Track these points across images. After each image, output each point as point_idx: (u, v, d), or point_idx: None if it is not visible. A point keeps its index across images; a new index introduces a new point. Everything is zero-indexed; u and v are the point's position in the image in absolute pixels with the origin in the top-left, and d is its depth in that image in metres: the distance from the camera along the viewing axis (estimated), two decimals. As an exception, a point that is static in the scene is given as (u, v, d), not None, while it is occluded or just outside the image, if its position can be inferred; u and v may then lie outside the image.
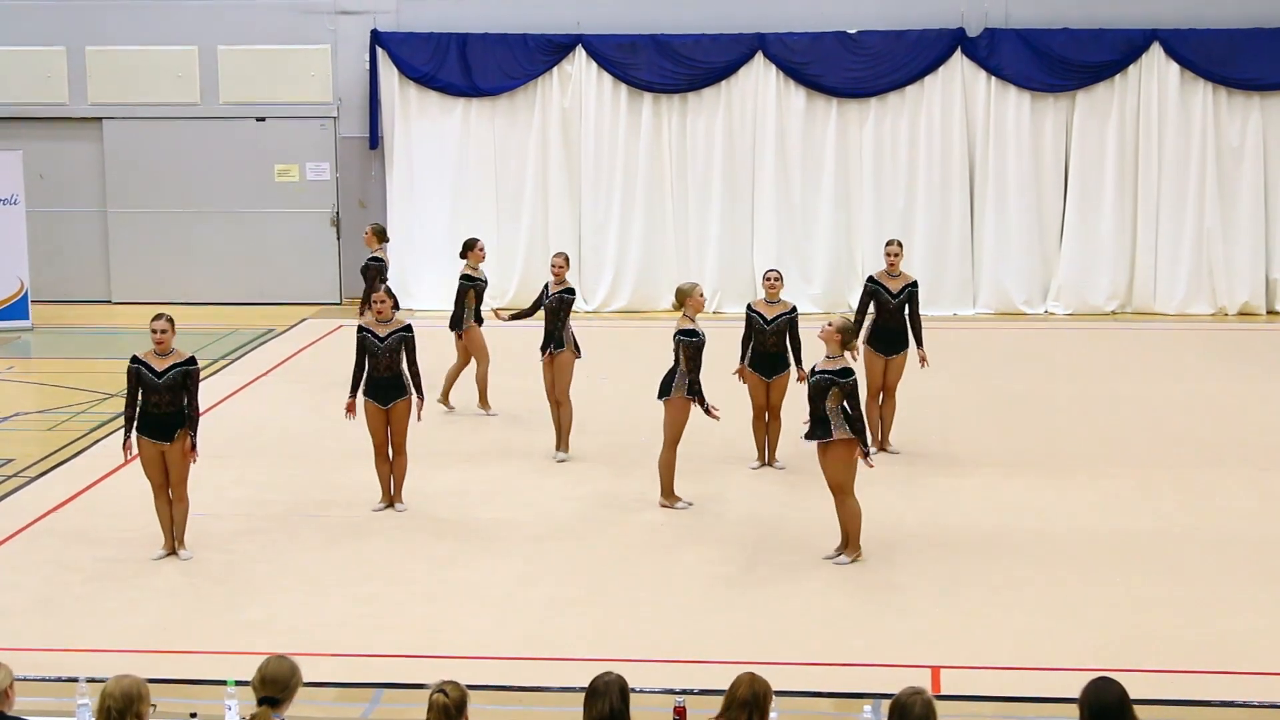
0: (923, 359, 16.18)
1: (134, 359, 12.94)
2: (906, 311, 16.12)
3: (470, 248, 17.97)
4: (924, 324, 16.39)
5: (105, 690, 7.55)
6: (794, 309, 15.72)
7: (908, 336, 16.20)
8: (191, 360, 13.02)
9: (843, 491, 12.90)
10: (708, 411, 14.27)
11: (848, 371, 12.70)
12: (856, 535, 12.99)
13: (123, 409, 13.32)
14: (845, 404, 12.66)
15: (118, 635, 11.39)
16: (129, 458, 13.21)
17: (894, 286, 16.16)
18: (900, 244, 16.53)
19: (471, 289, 17.77)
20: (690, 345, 14.12)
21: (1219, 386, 19.34)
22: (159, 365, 12.87)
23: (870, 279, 16.46)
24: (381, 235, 19.56)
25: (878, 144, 24.71)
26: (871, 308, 16.26)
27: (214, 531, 13.76)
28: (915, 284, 16.30)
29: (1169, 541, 13.49)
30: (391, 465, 14.47)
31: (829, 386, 12.65)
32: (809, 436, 12.88)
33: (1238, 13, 24.19)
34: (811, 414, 12.82)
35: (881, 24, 24.60)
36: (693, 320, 14.19)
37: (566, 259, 16.79)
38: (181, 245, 25.75)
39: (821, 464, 12.90)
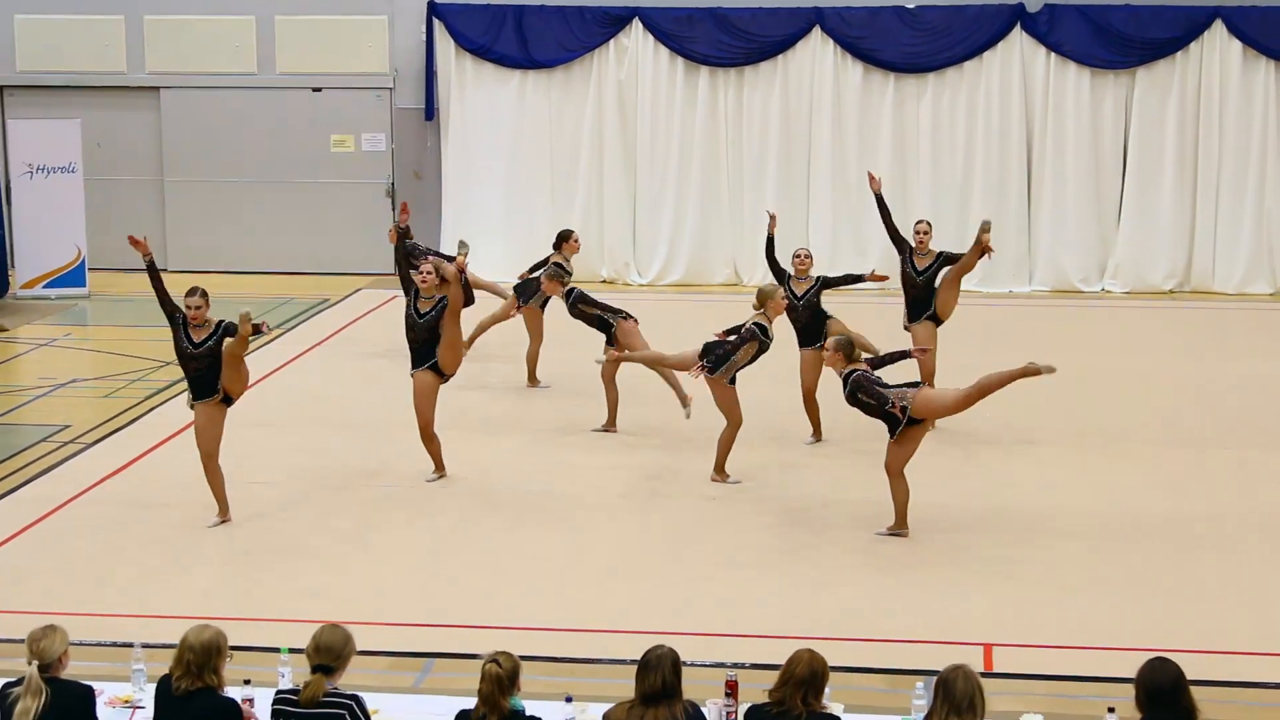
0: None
1: (184, 317, 12.92)
2: (941, 275, 16.16)
3: (565, 239, 17.67)
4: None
5: (185, 641, 7.62)
6: (819, 278, 15.71)
7: (931, 305, 16.15)
8: (220, 323, 12.91)
9: (890, 472, 12.89)
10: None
11: (848, 376, 12.65)
12: (903, 514, 12.97)
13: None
14: (865, 398, 12.61)
15: (172, 601, 11.46)
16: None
17: (921, 264, 16.13)
18: (929, 224, 16.50)
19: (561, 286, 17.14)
20: (758, 344, 14.04)
21: (1278, 367, 19.19)
22: (196, 336, 12.90)
23: (910, 244, 16.42)
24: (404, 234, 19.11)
25: (935, 120, 24.60)
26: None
27: (268, 499, 13.83)
28: (943, 253, 16.30)
29: (1225, 523, 13.40)
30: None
31: (853, 394, 12.63)
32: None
33: (1303, -11, 24.00)
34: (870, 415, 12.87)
35: (941, -1, 24.51)
36: (770, 322, 14.13)
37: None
38: (237, 215, 25.86)
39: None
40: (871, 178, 16.76)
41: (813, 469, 14.97)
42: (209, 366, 12.91)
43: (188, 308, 12.90)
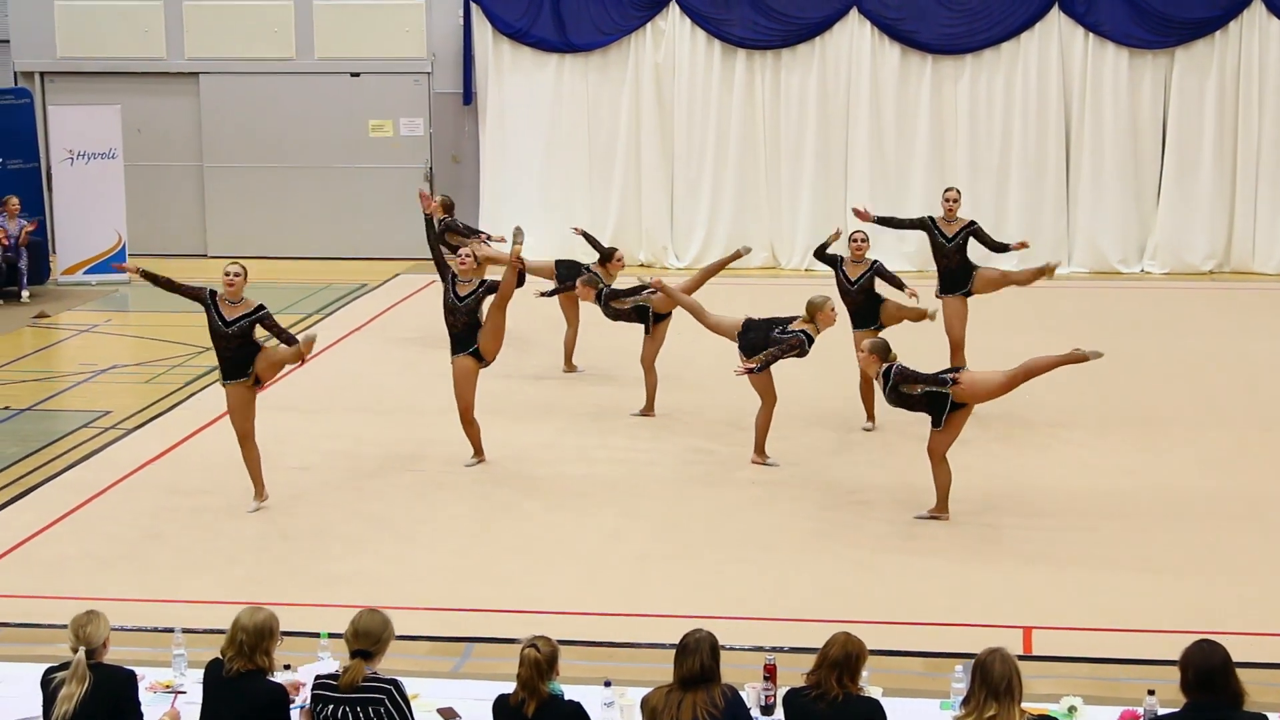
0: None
1: (211, 294, 12.83)
2: (964, 252, 16.20)
3: (609, 258, 17.21)
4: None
5: (239, 622, 7.66)
6: (875, 262, 15.54)
7: (967, 277, 16.11)
8: (259, 307, 12.85)
9: (933, 457, 12.84)
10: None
11: (887, 372, 12.60)
12: (944, 498, 12.94)
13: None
14: (909, 388, 12.57)
15: (212, 587, 11.50)
16: None
17: (950, 231, 16.08)
18: (959, 191, 16.58)
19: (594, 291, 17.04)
20: (799, 350, 13.98)
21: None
22: (229, 314, 12.80)
23: (929, 217, 16.44)
24: (448, 208, 19.28)
25: (973, 101, 24.50)
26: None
27: (306, 484, 13.87)
28: (973, 223, 16.29)
29: (1266, 503, 13.33)
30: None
31: (894, 389, 12.58)
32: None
33: (1342, -32, 23.80)
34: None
35: (978, -20, 24.38)
36: (818, 333, 14.07)
37: None
38: (276, 200, 25.93)
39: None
40: (860, 213, 16.41)
41: (852, 452, 14.93)
42: (239, 347, 12.88)
43: (225, 273, 12.76)
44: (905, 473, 13.93)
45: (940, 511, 12.92)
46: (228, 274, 12.79)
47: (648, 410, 16.19)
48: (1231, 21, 23.88)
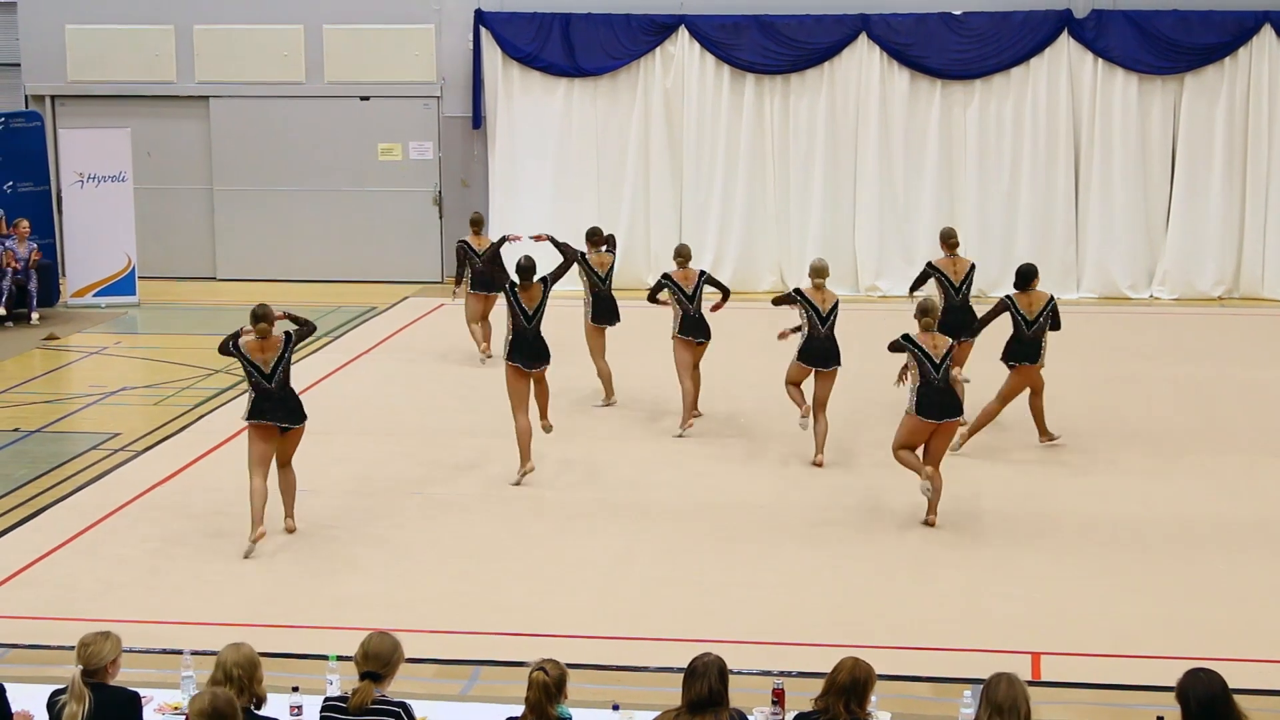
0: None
1: (235, 345, 12.69)
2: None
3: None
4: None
5: (225, 660, 7.63)
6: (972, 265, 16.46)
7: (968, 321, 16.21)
8: (286, 336, 12.82)
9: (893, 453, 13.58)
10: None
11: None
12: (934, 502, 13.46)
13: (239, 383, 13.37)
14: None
15: (221, 609, 11.52)
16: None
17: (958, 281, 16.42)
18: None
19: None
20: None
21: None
22: (266, 364, 12.68)
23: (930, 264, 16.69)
24: (477, 225, 19.48)
25: (982, 126, 24.52)
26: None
27: (316, 507, 13.87)
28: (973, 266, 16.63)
29: (1275, 529, 13.32)
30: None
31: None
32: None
33: (1351, -6, 23.85)
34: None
35: (987, 5, 24.39)
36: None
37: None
38: (285, 223, 25.98)
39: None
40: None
41: (862, 476, 14.93)
42: (281, 384, 12.77)
43: (257, 334, 12.67)
44: (917, 496, 13.94)
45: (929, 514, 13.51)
46: (258, 334, 12.71)
47: (688, 420, 16.40)
48: (1240, 48, 23.91)
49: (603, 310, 17.38)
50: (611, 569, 12.49)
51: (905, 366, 13.62)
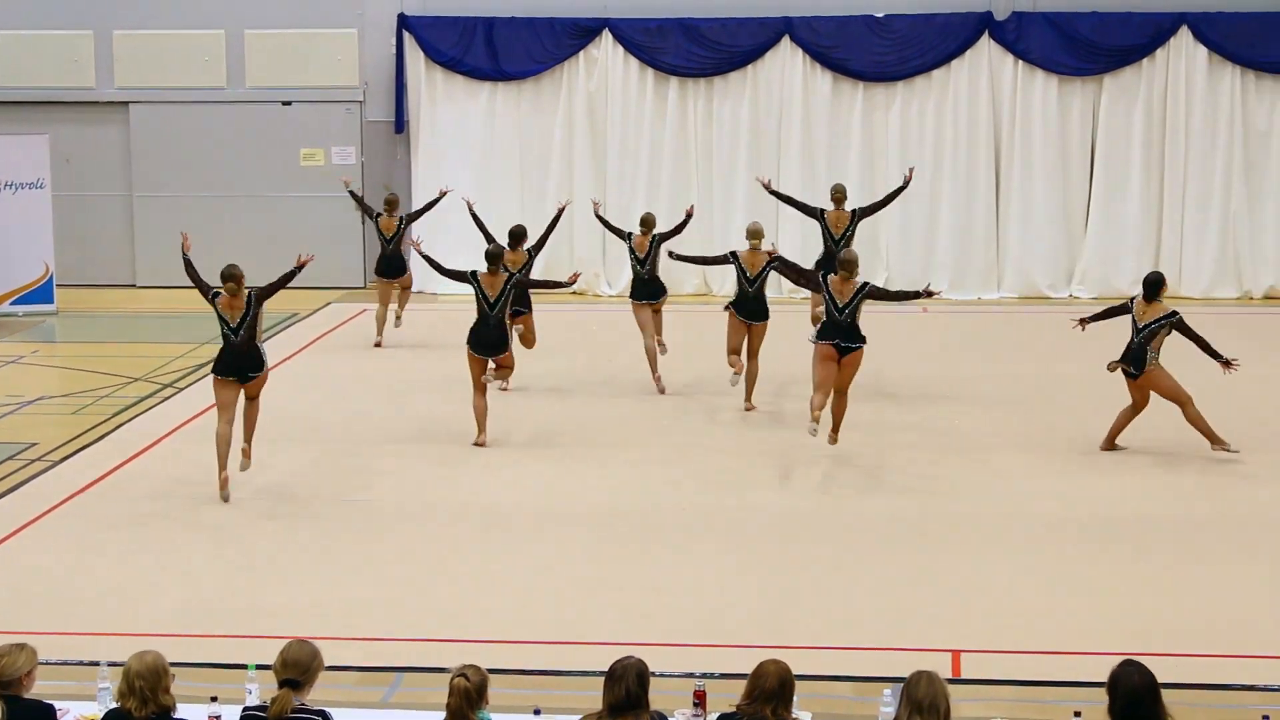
0: None
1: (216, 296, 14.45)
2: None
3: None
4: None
5: (130, 669, 7.57)
6: (775, 257, 16.97)
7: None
8: (249, 295, 14.35)
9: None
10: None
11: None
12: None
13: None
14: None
15: (140, 619, 11.43)
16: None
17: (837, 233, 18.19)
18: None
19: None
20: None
21: (1244, 371, 19.21)
22: (233, 319, 14.32)
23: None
24: (390, 206, 20.24)
25: (904, 128, 24.67)
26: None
27: (237, 516, 13.81)
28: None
29: (1191, 526, 13.47)
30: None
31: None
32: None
33: (1267, -5, 24.14)
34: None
35: (909, 7, 24.57)
36: None
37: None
38: (207, 229, 25.68)
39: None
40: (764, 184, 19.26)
41: (785, 481, 14.98)
42: (246, 341, 14.29)
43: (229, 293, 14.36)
44: (839, 501, 14.01)
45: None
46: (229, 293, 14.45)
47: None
48: (1158, 49, 24.17)
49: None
50: (534, 574, 12.47)
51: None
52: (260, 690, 8.40)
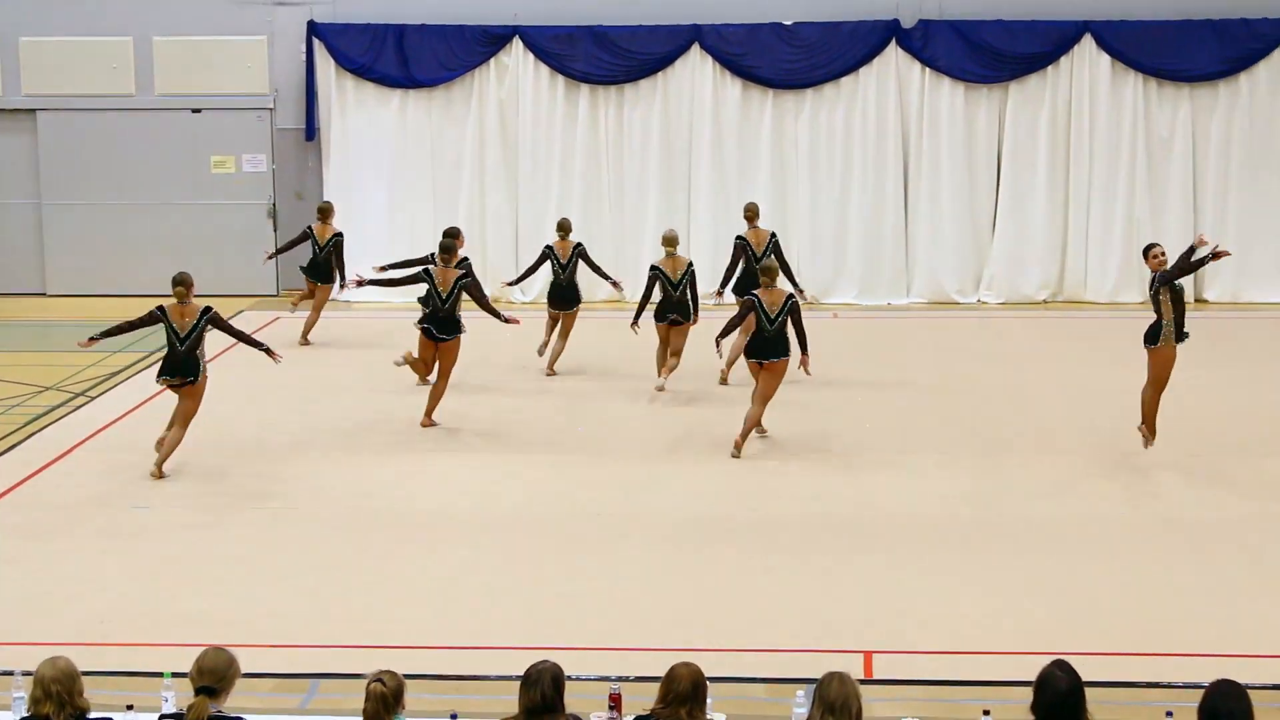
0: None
1: (160, 309, 14.92)
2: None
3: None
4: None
5: (43, 675, 7.55)
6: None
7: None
8: (206, 310, 14.85)
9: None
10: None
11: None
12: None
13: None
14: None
15: (55, 628, 11.37)
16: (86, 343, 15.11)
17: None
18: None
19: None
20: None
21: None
22: (181, 329, 14.86)
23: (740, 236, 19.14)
24: (324, 214, 20.41)
25: (813, 135, 24.83)
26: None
27: (152, 524, 13.76)
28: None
29: (1098, 526, 13.64)
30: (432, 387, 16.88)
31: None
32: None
33: (1168, 5, 24.41)
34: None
35: (817, 16, 24.70)
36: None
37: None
38: (117, 237, 25.63)
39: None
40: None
41: (697, 484, 15.07)
42: (188, 350, 14.90)
43: (177, 298, 14.86)
44: (751, 505, 14.11)
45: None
46: (177, 298, 14.92)
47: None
48: (1062, 56, 24.44)
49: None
50: (450, 579, 12.50)
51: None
52: (176, 698, 8.39)
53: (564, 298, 19.44)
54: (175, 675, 8.53)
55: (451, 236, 17.96)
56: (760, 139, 24.83)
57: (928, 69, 24.63)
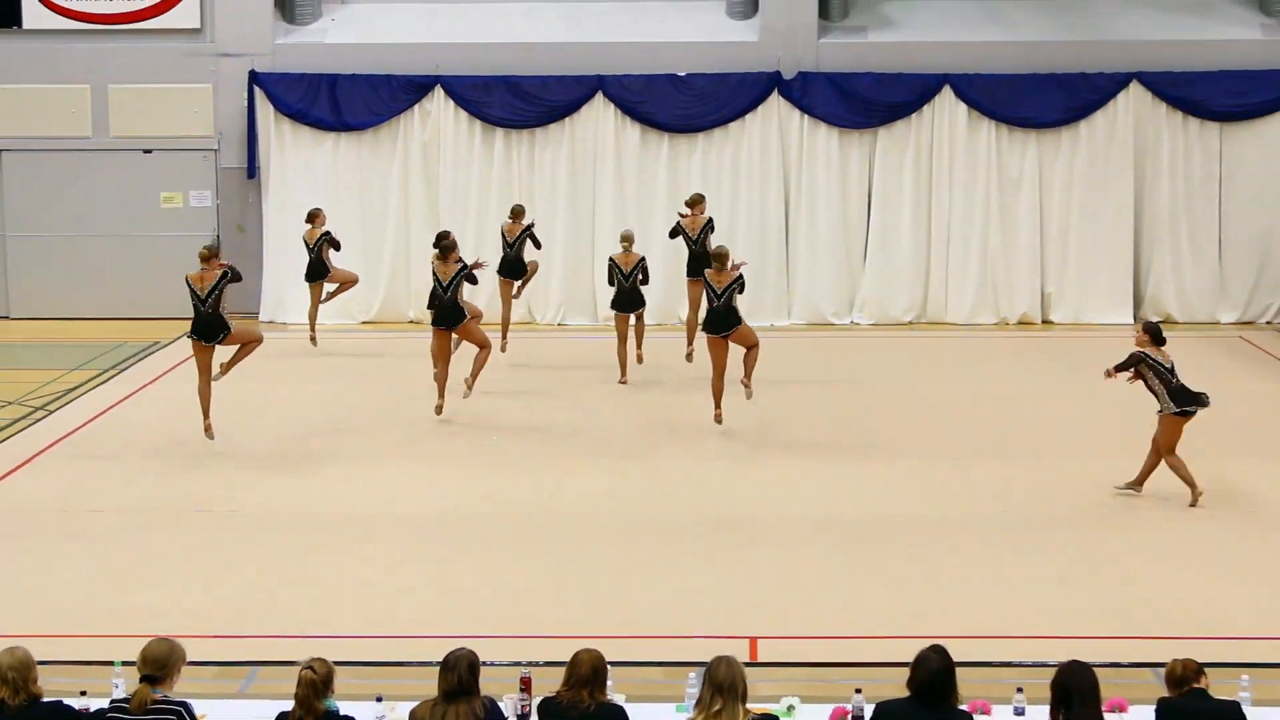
0: None
1: (186, 279, 16.17)
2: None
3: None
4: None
5: (2, 663, 7.42)
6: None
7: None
8: (223, 273, 15.91)
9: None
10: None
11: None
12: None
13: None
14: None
15: (13, 622, 11.16)
16: None
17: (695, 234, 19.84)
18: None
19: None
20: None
21: (1002, 386, 19.71)
22: (201, 289, 15.97)
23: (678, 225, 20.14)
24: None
25: (704, 174, 24.83)
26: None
27: (106, 526, 13.57)
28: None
29: (954, 523, 13.73)
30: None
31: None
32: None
33: (1017, 60, 24.61)
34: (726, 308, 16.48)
35: (708, 67, 24.73)
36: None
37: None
38: (76, 265, 25.28)
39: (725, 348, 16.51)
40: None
41: (609, 477, 15.03)
42: (212, 310, 15.97)
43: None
44: (648, 502, 14.09)
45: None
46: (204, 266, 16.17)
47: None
48: (925, 105, 24.58)
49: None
50: (377, 575, 12.41)
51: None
52: (126, 685, 8.25)
53: (631, 302, 19.50)
54: (125, 664, 8.38)
55: (445, 238, 18.27)
56: (657, 177, 24.83)
57: (806, 116, 24.70)
